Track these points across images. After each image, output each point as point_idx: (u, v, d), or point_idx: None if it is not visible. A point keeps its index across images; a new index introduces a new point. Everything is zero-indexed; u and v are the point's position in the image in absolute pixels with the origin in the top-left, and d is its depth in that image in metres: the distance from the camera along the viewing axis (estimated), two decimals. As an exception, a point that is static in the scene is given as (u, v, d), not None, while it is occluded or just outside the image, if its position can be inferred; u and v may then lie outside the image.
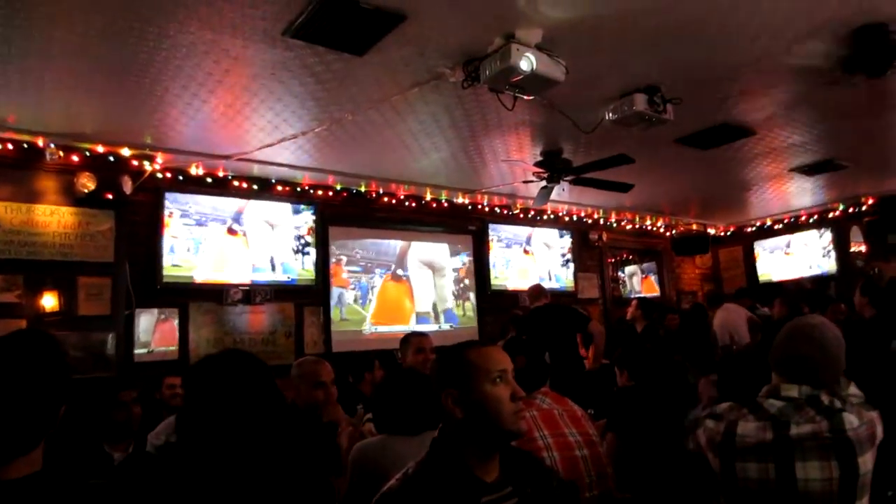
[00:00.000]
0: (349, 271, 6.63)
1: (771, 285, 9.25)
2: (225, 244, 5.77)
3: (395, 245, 7.03)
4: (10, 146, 4.63)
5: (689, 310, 7.76)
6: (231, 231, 5.82)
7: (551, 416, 2.52)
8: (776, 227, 9.47)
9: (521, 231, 8.09)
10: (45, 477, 1.28)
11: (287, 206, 6.21)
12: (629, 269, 9.93)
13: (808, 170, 6.61)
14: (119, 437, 2.88)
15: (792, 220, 9.23)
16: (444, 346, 1.83)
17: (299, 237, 6.22)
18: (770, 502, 1.92)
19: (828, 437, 1.89)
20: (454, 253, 7.49)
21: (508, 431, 1.59)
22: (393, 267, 7.00)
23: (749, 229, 9.79)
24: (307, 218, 6.30)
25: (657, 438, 3.14)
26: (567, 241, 8.52)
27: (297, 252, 6.18)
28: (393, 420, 2.54)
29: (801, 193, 7.90)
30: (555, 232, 8.44)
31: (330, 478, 2.60)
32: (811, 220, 9.05)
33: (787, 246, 9.46)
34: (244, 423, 1.52)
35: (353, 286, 6.65)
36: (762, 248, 9.75)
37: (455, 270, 7.47)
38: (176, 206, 5.53)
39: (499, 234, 7.81)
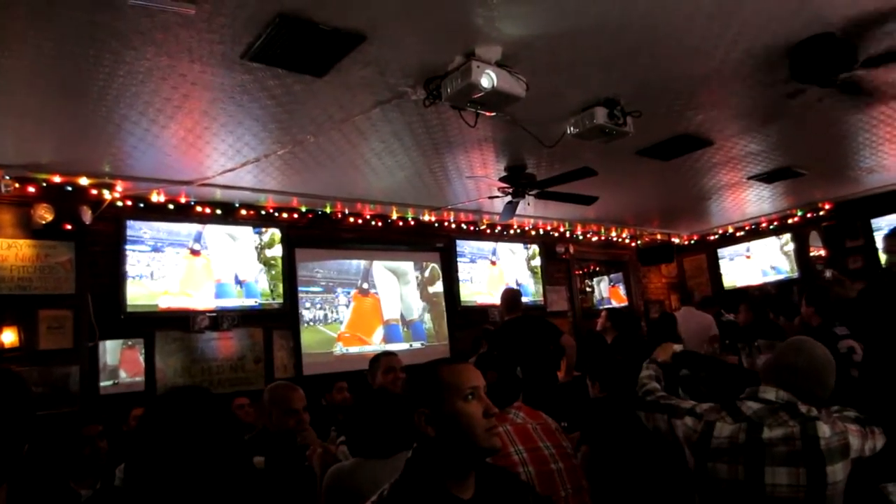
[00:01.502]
0: (309, 292, 6.55)
1: (736, 291, 9.41)
2: (188, 267, 5.67)
3: (356, 263, 6.98)
4: (-38, 179, 4.50)
5: (657, 319, 7.86)
6: (194, 252, 5.72)
7: (525, 431, 2.52)
8: (738, 234, 9.66)
9: (487, 245, 8.10)
10: None
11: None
12: (597, 277, 10.06)
13: (766, 177, 6.77)
14: (86, 474, 2.79)
15: (753, 226, 9.44)
16: (415, 365, 1.82)
17: (259, 248, 6.15)
18: (738, 502, 1.95)
19: (798, 442, 1.91)
20: (419, 266, 7.49)
21: (482, 448, 1.58)
22: (359, 282, 6.96)
23: (712, 237, 9.98)
24: (269, 232, 6.25)
25: (631, 448, 3.14)
26: (533, 250, 8.56)
27: (262, 265, 6.10)
28: (365, 442, 2.51)
29: (761, 201, 8.09)
30: (520, 245, 8.47)
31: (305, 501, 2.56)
32: (771, 227, 9.25)
33: (747, 251, 9.65)
34: (194, 462, 1.48)
35: (316, 305, 6.57)
36: (725, 256, 9.93)
37: (418, 276, 7.45)
38: (137, 234, 5.42)
39: (464, 249, 7.81)
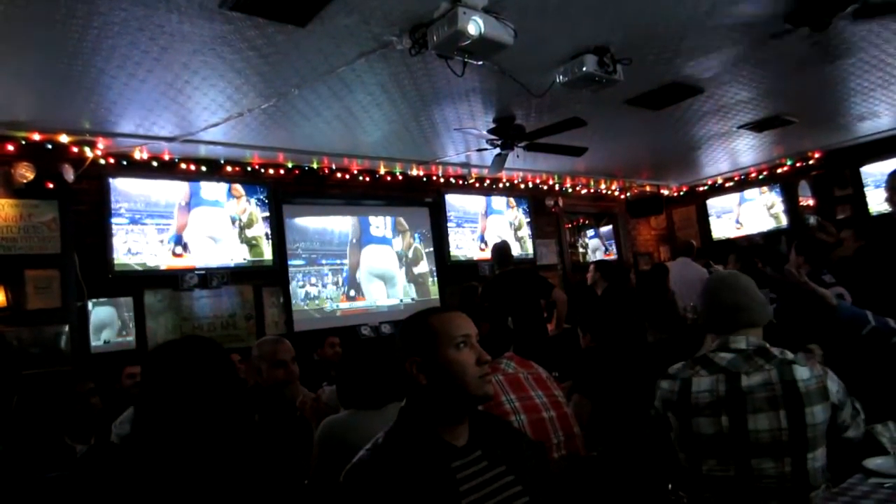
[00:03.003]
0: (293, 266, 6.48)
1: (724, 242, 9.46)
2: (175, 225, 5.61)
3: (340, 233, 6.87)
4: (-62, 137, 4.40)
5: (648, 270, 7.90)
6: (181, 211, 5.66)
7: (517, 380, 2.54)
8: (727, 185, 9.66)
9: (476, 200, 8.06)
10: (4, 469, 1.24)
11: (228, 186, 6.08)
12: (592, 242, 10.03)
13: (755, 126, 6.73)
14: (80, 430, 2.81)
15: (742, 177, 9.43)
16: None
17: (240, 228, 6.09)
18: (725, 455, 1.97)
19: (777, 386, 1.94)
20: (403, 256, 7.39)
21: (475, 396, 1.59)
22: (348, 249, 6.90)
23: (701, 188, 9.97)
24: (248, 213, 6.14)
25: (621, 397, 3.19)
26: (522, 209, 8.54)
27: (245, 245, 6.06)
28: (356, 394, 2.53)
29: (750, 150, 8.06)
30: (507, 200, 8.44)
31: (300, 453, 2.58)
32: (760, 177, 9.25)
33: (739, 203, 9.66)
34: (201, 408, 1.49)
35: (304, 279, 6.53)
36: (714, 207, 9.94)
37: (404, 270, 7.36)
38: (121, 192, 5.34)
39: (454, 205, 7.76)
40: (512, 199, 8.40)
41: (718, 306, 2.15)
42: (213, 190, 5.89)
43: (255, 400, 2.93)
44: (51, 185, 4.77)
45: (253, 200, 6.13)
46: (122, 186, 5.35)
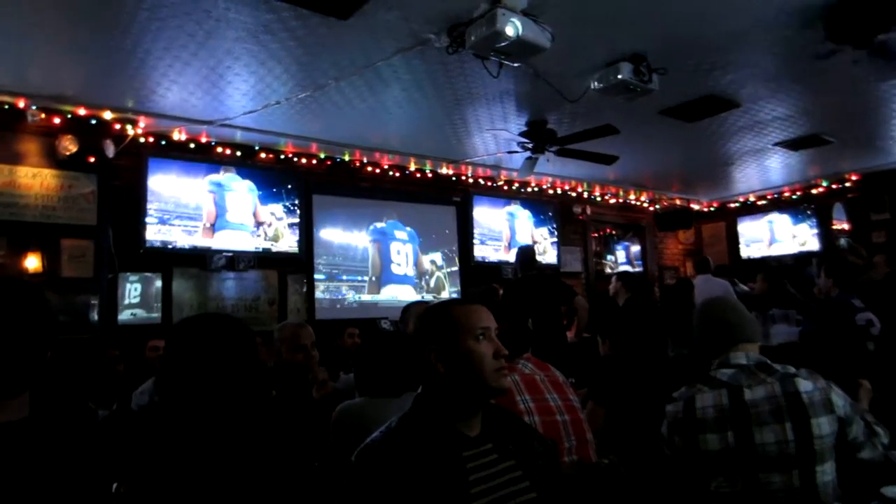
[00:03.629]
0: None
1: (753, 262, 9.34)
2: (207, 210, 5.73)
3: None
4: (-10, 107, 4.56)
5: (674, 284, 7.85)
6: (213, 195, 5.77)
7: (533, 381, 2.55)
8: (759, 203, 9.53)
9: (501, 218, 8.02)
10: (32, 423, 1.30)
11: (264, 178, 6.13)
12: (619, 255, 9.96)
13: (792, 144, 6.65)
14: (103, 395, 2.91)
15: (775, 196, 9.30)
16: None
17: (288, 206, 6.17)
18: (732, 470, 1.97)
19: (781, 399, 1.94)
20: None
21: (490, 388, 1.61)
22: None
23: (733, 205, 9.85)
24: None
25: (635, 408, 3.19)
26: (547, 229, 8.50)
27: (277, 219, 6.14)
28: (373, 382, 2.57)
29: (785, 169, 7.95)
30: (536, 208, 8.41)
31: (312, 432, 2.64)
32: (794, 197, 9.12)
33: (770, 222, 9.53)
34: (219, 382, 1.54)
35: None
36: (745, 225, 9.82)
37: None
38: (159, 171, 5.47)
39: (480, 221, 7.73)
40: (531, 216, 8.34)
41: (713, 325, 2.19)
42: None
43: (274, 378, 3.00)
44: (92, 160, 4.91)
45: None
46: (154, 185, 5.43)
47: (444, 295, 7.38)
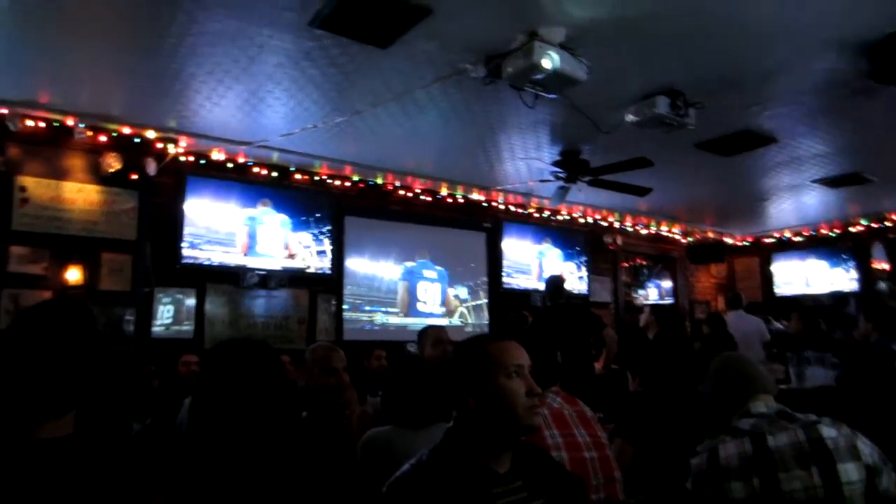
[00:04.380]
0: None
1: (787, 300, 9.15)
2: (244, 229, 5.84)
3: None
4: (41, 125, 4.74)
5: (706, 319, 7.68)
6: (250, 217, 5.88)
7: (561, 416, 2.52)
8: (795, 239, 9.38)
9: (530, 251, 8.02)
10: (76, 440, 1.33)
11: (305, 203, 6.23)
12: (650, 292, 9.84)
13: (831, 182, 6.55)
14: (138, 409, 2.96)
15: (812, 233, 9.14)
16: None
17: (317, 234, 6.26)
18: None
19: (805, 445, 1.92)
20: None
21: (522, 426, 1.60)
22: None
23: (767, 240, 9.71)
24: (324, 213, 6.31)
25: (664, 446, 3.13)
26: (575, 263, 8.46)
27: (314, 239, 6.22)
28: (401, 412, 2.57)
29: (822, 206, 7.82)
30: (565, 240, 8.38)
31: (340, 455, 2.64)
32: (832, 234, 8.95)
33: (805, 260, 9.35)
34: (251, 403, 1.57)
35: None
36: (780, 261, 9.65)
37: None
38: (197, 190, 5.60)
39: (508, 255, 7.73)
40: (561, 255, 8.31)
41: (731, 379, 2.23)
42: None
43: (303, 400, 3.02)
44: (134, 177, 5.06)
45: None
46: (191, 207, 5.52)
47: (469, 324, 7.38)
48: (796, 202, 7.63)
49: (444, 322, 7.01)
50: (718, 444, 2.06)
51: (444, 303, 7.23)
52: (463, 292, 7.41)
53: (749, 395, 2.14)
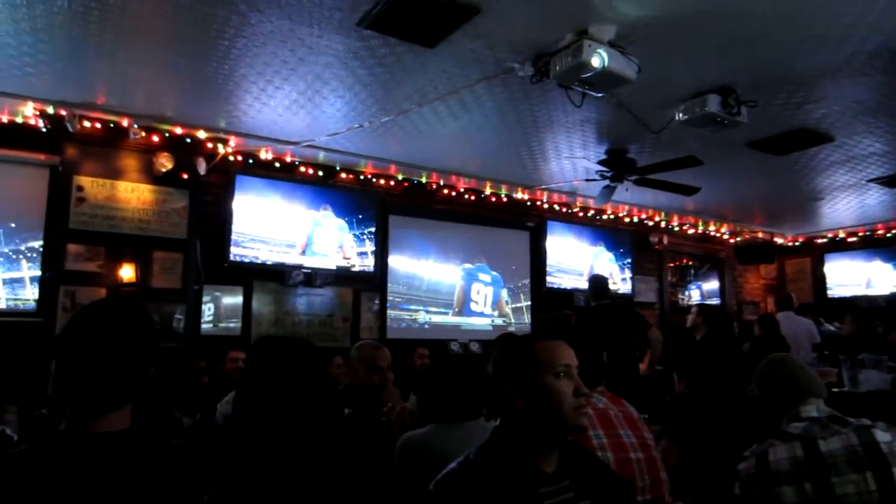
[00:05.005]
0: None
1: (841, 301, 8.88)
2: (290, 228, 5.92)
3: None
4: (97, 125, 4.87)
5: (757, 320, 7.49)
6: (298, 215, 5.96)
7: (607, 417, 2.50)
8: (850, 240, 9.08)
9: (579, 230, 8.00)
10: (134, 434, 1.37)
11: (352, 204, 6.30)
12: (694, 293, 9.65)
13: (888, 181, 6.32)
14: (188, 404, 3.03)
15: (868, 233, 8.84)
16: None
17: (362, 233, 6.32)
18: None
19: (859, 449, 1.88)
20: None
21: (569, 426, 1.59)
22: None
23: (820, 241, 9.42)
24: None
25: (712, 448, 3.08)
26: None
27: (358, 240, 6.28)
28: (436, 407, 2.57)
29: (880, 206, 7.56)
30: (611, 240, 8.29)
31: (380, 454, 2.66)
32: (888, 235, 8.64)
33: (861, 260, 9.05)
34: (294, 403, 1.59)
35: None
36: (834, 262, 9.36)
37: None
38: (245, 189, 5.70)
39: (556, 232, 7.74)
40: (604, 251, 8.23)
41: (783, 381, 2.19)
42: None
43: (347, 398, 3.05)
44: (185, 176, 5.17)
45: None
46: (236, 211, 5.62)
47: (511, 328, 7.37)
48: (852, 202, 7.39)
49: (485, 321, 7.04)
50: (767, 448, 2.03)
51: (496, 306, 7.29)
52: (504, 294, 7.42)
53: (798, 398, 2.11)
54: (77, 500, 1.25)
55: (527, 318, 7.49)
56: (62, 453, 1.30)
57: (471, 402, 2.48)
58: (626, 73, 3.48)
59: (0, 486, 1.23)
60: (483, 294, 7.19)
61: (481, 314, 7.15)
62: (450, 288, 6.98)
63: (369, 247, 6.33)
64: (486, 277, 7.22)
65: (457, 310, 6.98)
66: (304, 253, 5.93)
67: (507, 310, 7.39)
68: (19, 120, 4.82)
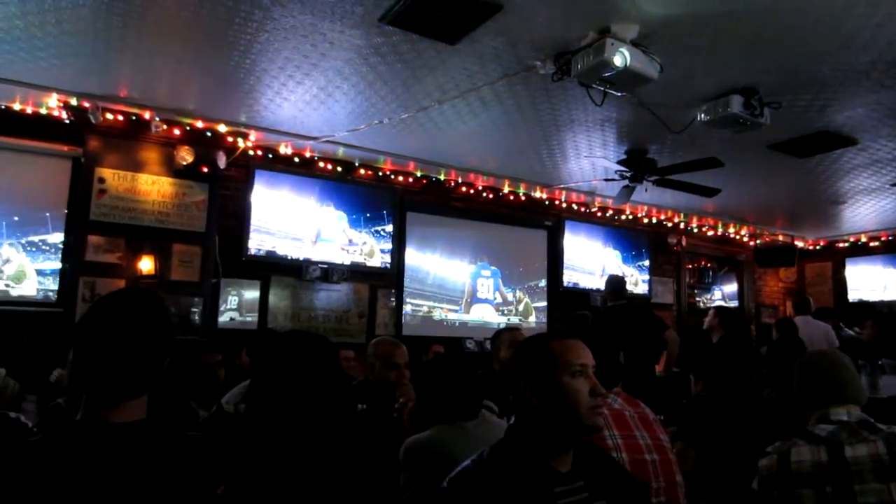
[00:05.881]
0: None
1: (861, 305, 8.76)
2: (307, 223, 5.95)
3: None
4: (119, 118, 4.92)
5: (776, 323, 7.42)
6: (314, 209, 5.99)
7: (622, 417, 2.49)
8: (872, 244, 8.95)
9: (597, 230, 7.97)
10: (149, 424, 1.39)
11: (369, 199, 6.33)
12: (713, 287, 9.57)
13: (913, 185, 6.23)
14: (204, 397, 3.05)
15: (890, 238, 8.71)
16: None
17: (379, 229, 6.33)
18: None
19: (886, 458, 1.84)
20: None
21: (584, 425, 1.59)
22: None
23: (841, 244, 9.30)
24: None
25: (728, 451, 3.05)
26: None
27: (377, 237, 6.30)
28: (435, 409, 2.54)
29: (904, 210, 7.46)
30: (628, 243, 8.25)
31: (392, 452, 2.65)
32: (911, 240, 8.52)
33: (883, 265, 8.92)
34: (305, 394, 1.60)
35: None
36: (855, 266, 9.23)
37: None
38: (264, 184, 5.74)
39: (573, 231, 7.71)
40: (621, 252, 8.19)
41: (820, 379, 2.12)
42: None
43: (362, 394, 3.06)
44: (205, 170, 5.20)
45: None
46: (258, 199, 5.66)
47: (531, 319, 7.33)
48: (875, 206, 7.28)
49: (499, 315, 7.04)
50: (791, 447, 1.99)
51: (499, 291, 7.31)
52: (501, 282, 7.43)
53: (830, 399, 2.05)
54: (91, 490, 1.26)
55: (536, 318, 7.46)
56: (77, 443, 1.31)
57: (468, 403, 2.47)
58: (648, 73, 3.45)
59: (15, 474, 1.25)
60: (486, 286, 7.23)
61: (486, 300, 7.15)
62: (465, 286, 7.00)
63: (388, 240, 6.34)
64: (486, 273, 7.25)
65: (467, 300, 7.02)
66: (313, 246, 5.95)
67: (508, 296, 7.39)
68: (43, 111, 4.89)
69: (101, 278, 4.78)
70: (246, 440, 1.64)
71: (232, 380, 3.84)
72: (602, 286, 6.95)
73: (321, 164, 6.08)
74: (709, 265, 9.61)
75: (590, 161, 5.91)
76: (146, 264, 4.91)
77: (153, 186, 5.07)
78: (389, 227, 6.36)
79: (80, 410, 1.37)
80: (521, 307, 7.40)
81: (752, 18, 3.26)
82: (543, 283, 7.55)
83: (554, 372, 1.60)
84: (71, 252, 4.91)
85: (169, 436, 1.41)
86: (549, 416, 1.59)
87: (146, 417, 1.39)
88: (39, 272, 4.99)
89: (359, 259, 6.18)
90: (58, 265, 5.04)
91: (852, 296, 9.20)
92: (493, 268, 7.30)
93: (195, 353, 3.18)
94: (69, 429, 1.39)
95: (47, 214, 5.06)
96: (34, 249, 5.00)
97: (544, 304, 7.53)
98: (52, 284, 5.02)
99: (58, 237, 5.06)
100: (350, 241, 6.16)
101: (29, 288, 4.95)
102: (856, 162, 5.62)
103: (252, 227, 5.63)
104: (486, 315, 7.03)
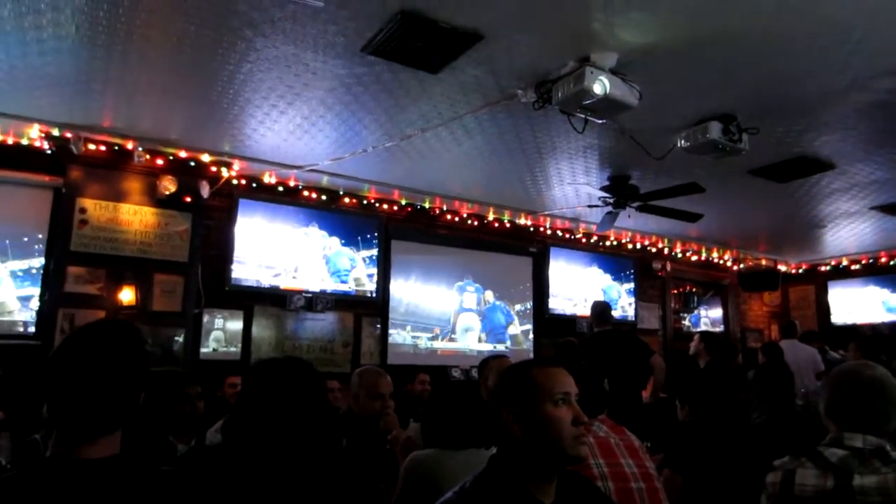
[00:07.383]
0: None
1: (845, 329, 8.83)
2: (292, 252, 5.92)
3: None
4: (102, 148, 4.89)
5: (762, 347, 7.45)
6: (298, 238, 5.97)
7: (608, 445, 2.47)
8: (853, 267, 9.05)
9: (582, 256, 7.99)
10: (123, 460, 1.35)
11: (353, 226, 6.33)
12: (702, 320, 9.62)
13: (890, 209, 6.32)
14: (183, 430, 2.98)
15: (871, 260, 8.82)
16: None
17: (364, 258, 6.32)
18: None
19: (893, 492, 1.78)
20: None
21: (568, 455, 1.56)
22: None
23: (823, 268, 9.40)
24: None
25: (716, 477, 3.03)
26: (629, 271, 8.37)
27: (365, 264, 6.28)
28: (439, 433, 2.55)
29: (882, 233, 7.54)
30: (614, 266, 8.29)
31: (381, 483, 2.63)
32: (892, 262, 8.62)
33: (864, 288, 9.02)
34: (290, 427, 1.56)
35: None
36: (837, 289, 9.32)
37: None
38: (248, 213, 5.71)
39: (558, 258, 7.73)
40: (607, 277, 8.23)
41: (847, 398, 1.97)
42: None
43: (346, 426, 3.01)
44: (188, 199, 5.18)
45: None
46: (242, 229, 5.66)
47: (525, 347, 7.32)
48: (854, 229, 7.38)
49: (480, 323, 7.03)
50: (797, 467, 1.91)
51: (481, 301, 7.28)
52: (487, 294, 7.41)
53: (852, 425, 1.91)
54: None
55: (522, 345, 7.44)
56: (48, 480, 1.28)
57: (475, 429, 2.46)
58: (628, 100, 3.50)
59: None
60: (471, 298, 7.19)
61: (469, 310, 7.11)
62: (451, 314, 6.96)
63: (373, 269, 6.32)
64: (470, 288, 7.20)
65: (453, 328, 6.96)
66: (294, 277, 5.92)
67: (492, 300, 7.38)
68: (24, 142, 4.85)
69: (81, 309, 4.70)
70: (225, 473, 1.60)
71: (213, 412, 3.78)
72: (587, 312, 6.95)
73: (305, 193, 6.08)
74: (694, 290, 9.65)
75: (573, 187, 5.95)
76: (127, 295, 4.85)
77: (135, 216, 5.03)
78: (375, 254, 6.35)
79: (51, 447, 1.33)
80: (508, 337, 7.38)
81: (727, 45, 3.32)
82: (529, 306, 7.54)
83: (536, 400, 1.58)
84: (50, 283, 4.83)
85: (142, 471, 1.37)
86: (532, 445, 1.56)
87: (119, 453, 1.36)
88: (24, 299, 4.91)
89: (343, 288, 6.15)
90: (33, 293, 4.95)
91: (836, 319, 9.27)
92: (476, 284, 7.31)
93: (174, 385, 3.12)
94: (38, 466, 1.35)
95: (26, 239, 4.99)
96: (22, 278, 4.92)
97: (529, 327, 7.51)
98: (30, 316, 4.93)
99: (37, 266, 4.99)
100: (335, 269, 6.13)
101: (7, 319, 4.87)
102: (834, 186, 5.70)
103: (235, 257, 5.59)
104: (471, 343, 6.99)
